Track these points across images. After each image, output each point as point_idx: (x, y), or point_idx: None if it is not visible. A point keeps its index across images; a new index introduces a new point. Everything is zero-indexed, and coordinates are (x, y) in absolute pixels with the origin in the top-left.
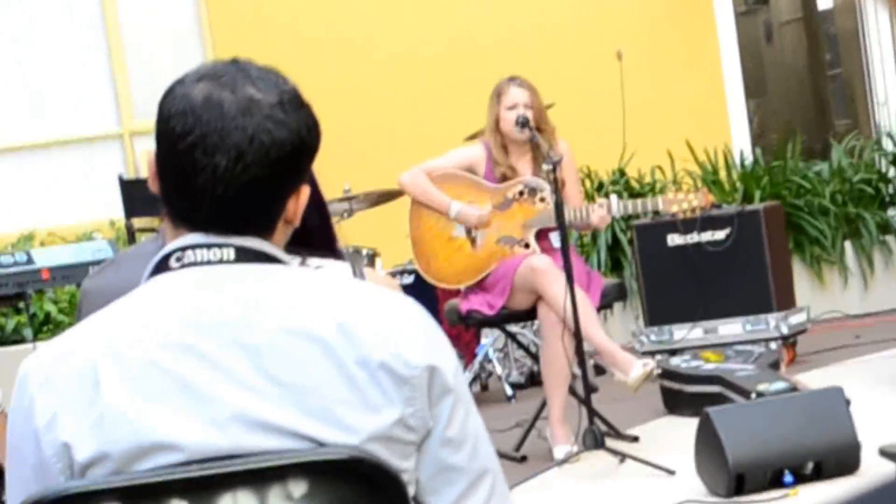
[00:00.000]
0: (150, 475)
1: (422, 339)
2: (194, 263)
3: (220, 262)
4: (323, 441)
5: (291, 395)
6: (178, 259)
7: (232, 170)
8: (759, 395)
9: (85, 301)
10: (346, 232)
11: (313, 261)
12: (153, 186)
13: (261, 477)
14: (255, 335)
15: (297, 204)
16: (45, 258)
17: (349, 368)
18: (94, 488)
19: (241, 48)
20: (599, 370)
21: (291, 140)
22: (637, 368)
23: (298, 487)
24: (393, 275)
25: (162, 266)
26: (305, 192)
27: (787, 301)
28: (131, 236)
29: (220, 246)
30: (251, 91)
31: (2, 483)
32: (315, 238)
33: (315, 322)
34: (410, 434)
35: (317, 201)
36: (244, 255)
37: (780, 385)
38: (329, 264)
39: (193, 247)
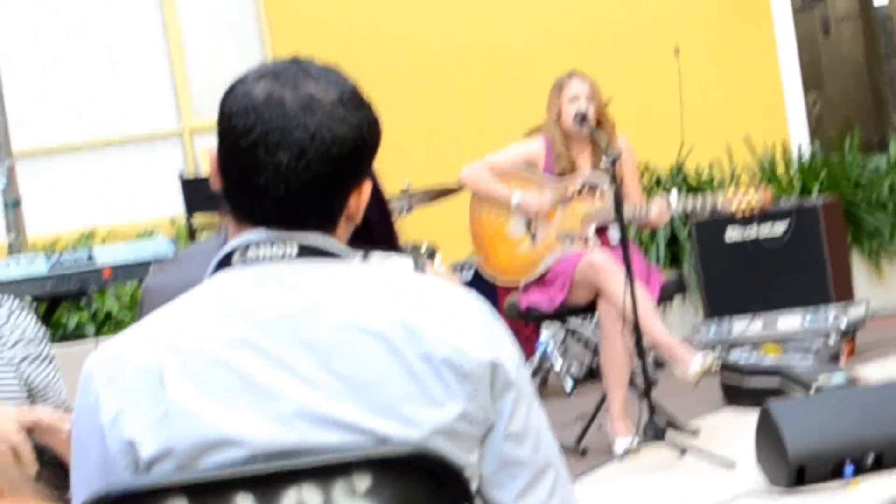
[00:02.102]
0: (216, 471)
1: (484, 334)
2: (257, 260)
3: (283, 258)
4: (387, 436)
5: (355, 390)
6: (241, 256)
7: (294, 167)
8: (819, 388)
9: (147, 299)
10: (406, 228)
11: (375, 257)
12: (215, 184)
13: (325, 472)
14: (319, 331)
15: (359, 200)
16: (107, 256)
17: (412, 364)
18: (160, 484)
19: (299, 45)
20: (659, 364)
21: (353, 137)
22: (696, 363)
23: (363, 482)
24: (453, 270)
25: (225, 263)
26: (367, 188)
27: (845, 294)
28: (192, 234)
29: (282, 242)
30: (312, 89)
31: (67, 480)
32: (376, 234)
33: (378, 318)
34: (473, 428)
35: (377, 197)
36: (307, 252)
37: (839, 378)
38: (390, 260)
39: (256, 243)
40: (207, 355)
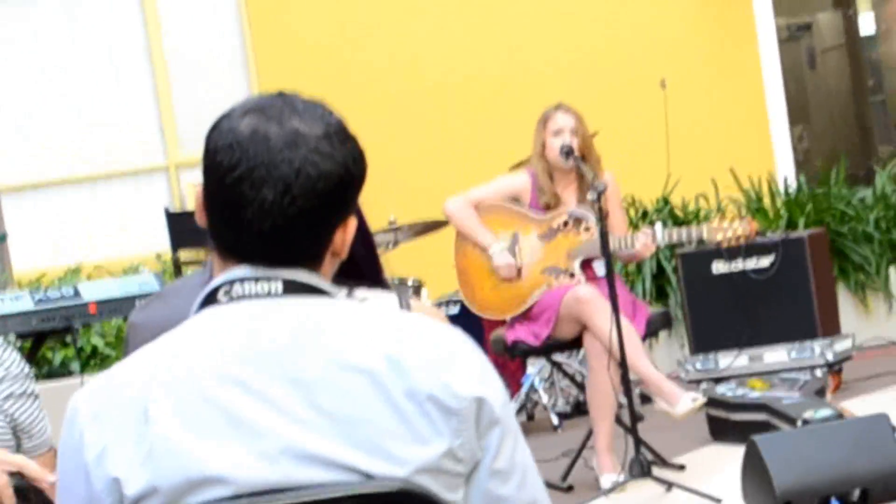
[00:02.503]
0: None
1: (469, 371)
2: (242, 297)
3: (269, 295)
4: (372, 473)
5: (340, 427)
6: (227, 293)
7: (279, 203)
8: (806, 422)
9: (132, 335)
10: (392, 263)
11: (360, 292)
12: (200, 220)
13: None
14: (305, 368)
15: (345, 236)
16: (92, 292)
17: (397, 400)
18: None
19: (285, 80)
20: (645, 399)
21: (338, 172)
22: (685, 403)
23: None
24: (438, 305)
25: (210, 299)
26: (352, 223)
27: (831, 328)
28: (177, 269)
29: (267, 279)
30: (297, 124)
31: None
32: (361, 270)
33: (363, 354)
34: (459, 466)
35: (363, 233)
36: (292, 288)
37: (825, 412)
38: (375, 296)
39: (241, 280)
40: (193, 392)
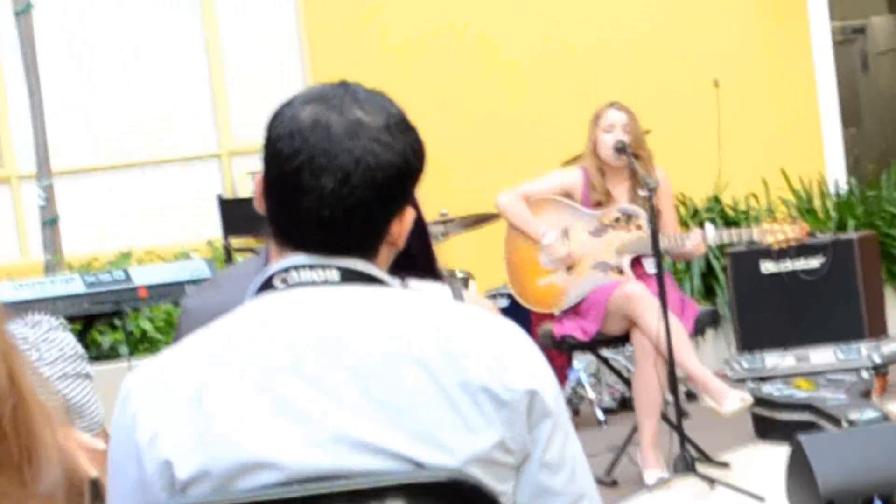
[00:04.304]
0: (251, 494)
1: (523, 363)
2: (299, 284)
3: (325, 283)
4: (423, 462)
5: (393, 416)
6: (283, 279)
7: (338, 192)
8: (851, 423)
9: (185, 320)
10: (441, 255)
11: (414, 283)
12: (259, 206)
13: (360, 497)
14: (359, 356)
15: (402, 226)
16: (143, 276)
17: (450, 391)
18: None
19: (339, 68)
20: (691, 396)
21: (397, 163)
22: (734, 402)
23: None
24: (488, 297)
25: (266, 286)
26: (409, 214)
27: (879, 330)
28: (229, 256)
29: (324, 267)
30: (358, 114)
31: (103, 500)
32: (416, 261)
33: (418, 344)
34: (509, 457)
35: (419, 225)
36: (348, 277)
37: (871, 414)
38: (429, 287)
39: (298, 267)
40: (247, 378)
